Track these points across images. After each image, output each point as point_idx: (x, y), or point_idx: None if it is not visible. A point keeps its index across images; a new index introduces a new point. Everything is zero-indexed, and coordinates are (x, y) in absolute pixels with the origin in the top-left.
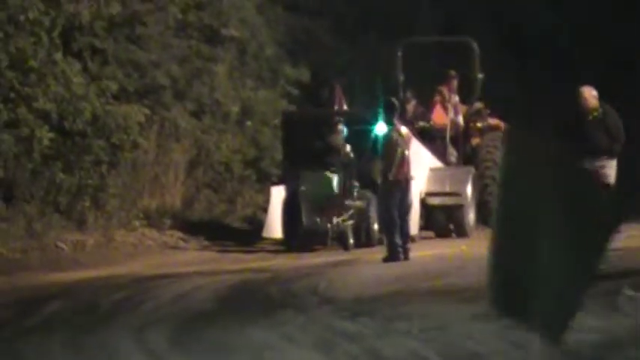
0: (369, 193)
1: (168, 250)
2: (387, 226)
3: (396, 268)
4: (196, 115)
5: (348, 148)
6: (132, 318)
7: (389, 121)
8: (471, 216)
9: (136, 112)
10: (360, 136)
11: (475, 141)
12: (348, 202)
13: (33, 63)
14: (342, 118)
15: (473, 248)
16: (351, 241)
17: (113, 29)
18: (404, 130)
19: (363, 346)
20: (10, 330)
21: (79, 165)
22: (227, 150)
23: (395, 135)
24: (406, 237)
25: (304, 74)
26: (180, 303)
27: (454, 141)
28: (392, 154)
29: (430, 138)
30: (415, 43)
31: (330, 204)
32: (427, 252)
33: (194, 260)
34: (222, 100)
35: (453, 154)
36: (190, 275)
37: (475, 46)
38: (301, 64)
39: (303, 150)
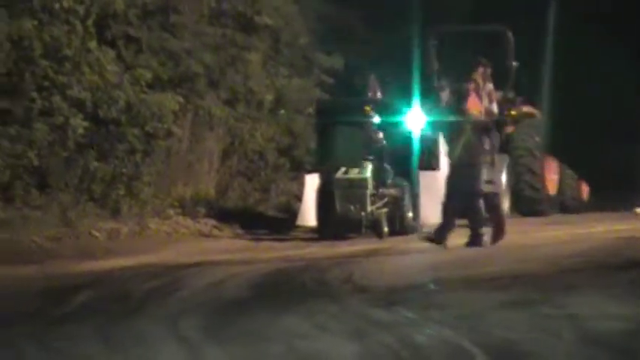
0: (403, 182)
1: (202, 239)
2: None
3: (430, 256)
4: (230, 103)
5: (381, 136)
6: (165, 306)
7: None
8: (505, 204)
9: (170, 101)
10: (393, 124)
11: (509, 129)
12: (382, 191)
13: (67, 51)
14: (374, 107)
15: (507, 235)
16: (386, 229)
17: (147, 17)
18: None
19: (396, 334)
20: (42, 319)
21: (114, 153)
22: (261, 138)
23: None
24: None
25: (338, 63)
26: (214, 291)
27: (488, 129)
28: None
29: None
30: (449, 31)
31: (364, 192)
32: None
33: (228, 248)
34: (256, 88)
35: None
36: (224, 263)
37: (510, 34)
38: (335, 52)
39: (334, 139)
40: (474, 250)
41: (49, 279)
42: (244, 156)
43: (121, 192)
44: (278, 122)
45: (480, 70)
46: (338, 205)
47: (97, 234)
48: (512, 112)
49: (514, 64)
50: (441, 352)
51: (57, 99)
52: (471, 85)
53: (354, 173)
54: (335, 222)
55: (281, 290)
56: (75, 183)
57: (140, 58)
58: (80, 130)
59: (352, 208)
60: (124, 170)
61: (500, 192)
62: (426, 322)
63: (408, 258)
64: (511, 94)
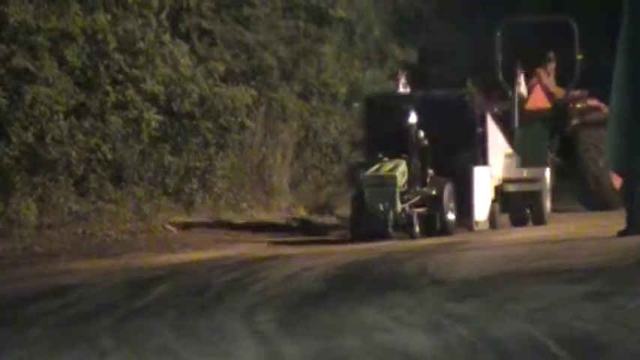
0: (444, 181)
1: (277, 232)
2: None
3: (503, 249)
4: (304, 96)
5: (422, 133)
6: (240, 300)
7: None
8: (548, 202)
9: (244, 94)
10: (440, 120)
11: (575, 122)
12: (417, 189)
13: (141, 45)
14: (412, 103)
15: (576, 228)
16: (417, 228)
17: (221, 10)
18: None
19: (473, 327)
20: (118, 312)
21: (187, 147)
22: (335, 131)
23: None
24: None
25: (412, 55)
26: (289, 284)
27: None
28: None
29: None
30: (515, 23)
31: (392, 189)
32: (534, 233)
33: (302, 241)
34: (329, 81)
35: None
36: (299, 256)
37: (575, 26)
38: (409, 44)
39: (379, 135)
40: (547, 243)
41: (126, 272)
42: (318, 149)
43: (195, 185)
44: (352, 115)
45: (549, 65)
46: (367, 204)
47: (171, 227)
48: (578, 106)
49: (580, 56)
50: (517, 345)
51: (131, 92)
52: (535, 79)
53: (385, 170)
54: (365, 221)
55: (356, 283)
56: (149, 176)
57: (214, 51)
58: (154, 124)
59: (381, 206)
60: (198, 164)
61: (544, 190)
62: (503, 315)
63: (481, 250)
64: (576, 87)
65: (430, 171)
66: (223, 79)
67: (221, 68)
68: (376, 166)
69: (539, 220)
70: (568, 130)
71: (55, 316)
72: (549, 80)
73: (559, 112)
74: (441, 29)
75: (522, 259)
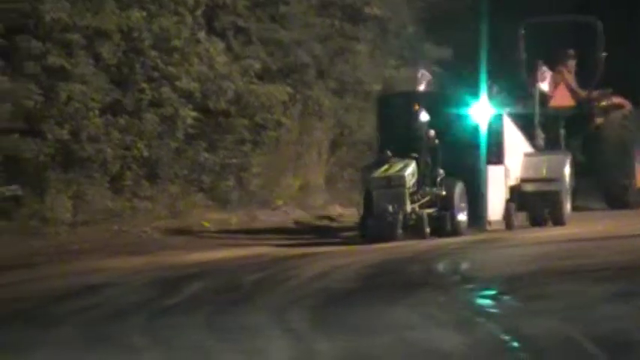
0: (455, 181)
1: (311, 229)
2: None
3: (532, 248)
4: (338, 93)
5: (432, 133)
6: (273, 297)
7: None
8: (567, 202)
9: (279, 91)
10: (450, 119)
11: (599, 120)
12: (427, 189)
13: (176, 42)
14: (422, 103)
15: (599, 227)
16: (428, 229)
17: (256, 8)
18: None
19: (504, 325)
20: (152, 309)
21: (223, 144)
22: (369, 128)
23: None
24: None
25: (446, 53)
26: (321, 282)
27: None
28: None
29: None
30: (538, 22)
31: (401, 190)
32: (560, 231)
33: (336, 239)
34: (364, 78)
35: (540, 136)
36: (332, 254)
37: (600, 25)
38: (443, 42)
39: (391, 134)
40: (574, 242)
41: (160, 269)
42: (353, 146)
43: (230, 183)
44: None
45: (570, 62)
46: (375, 205)
47: (207, 224)
48: (602, 104)
49: (603, 54)
50: (549, 342)
51: (166, 90)
52: (558, 77)
53: (393, 171)
54: (373, 222)
55: (388, 281)
56: (184, 174)
57: (249, 49)
58: (189, 121)
59: (390, 207)
60: (233, 161)
61: (563, 190)
62: (534, 313)
63: (511, 249)
64: (599, 86)
65: (441, 170)
66: (259, 77)
67: (256, 66)
68: (385, 167)
69: (558, 220)
70: (592, 128)
71: (88, 313)
72: (570, 77)
73: (583, 109)
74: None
75: (550, 258)
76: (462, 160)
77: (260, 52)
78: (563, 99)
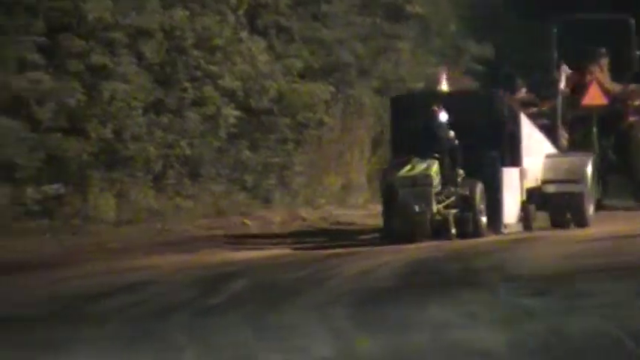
0: (476, 182)
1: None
2: None
3: (572, 245)
4: (380, 92)
5: (452, 133)
6: (315, 295)
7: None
8: (590, 204)
9: (321, 90)
10: (466, 119)
11: (632, 119)
12: (452, 189)
13: (219, 41)
14: (441, 102)
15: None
16: (454, 230)
17: (298, 7)
18: None
19: (545, 323)
20: (194, 307)
21: (265, 143)
22: None
23: None
24: None
25: (488, 51)
26: (362, 280)
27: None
28: None
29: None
30: (571, 20)
31: (428, 190)
32: (592, 230)
33: (377, 237)
34: (406, 77)
35: (564, 136)
36: (373, 252)
37: (633, 23)
38: (485, 40)
39: (407, 135)
40: (605, 240)
41: (203, 268)
42: None
43: (273, 181)
44: None
45: (602, 61)
46: (401, 204)
47: (249, 223)
48: (636, 103)
49: (638, 53)
50: (589, 340)
51: (209, 89)
52: (589, 77)
53: (419, 170)
54: (399, 222)
55: (429, 279)
56: (227, 173)
57: (291, 48)
58: (232, 120)
59: (417, 207)
60: (276, 160)
61: (585, 191)
62: (574, 311)
63: (550, 247)
64: (633, 85)
65: (461, 171)
66: (301, 76)
67: (298, 65)
68: (408, 167)
69: (580, 222)
70: (624, 127)
71: (131, 312)
72: (603, 76)
73: (615, 108)
74: (514, 26)
75: (590, 255)
76: (478, 161)
77: (302, 50)
78: (595, 98)
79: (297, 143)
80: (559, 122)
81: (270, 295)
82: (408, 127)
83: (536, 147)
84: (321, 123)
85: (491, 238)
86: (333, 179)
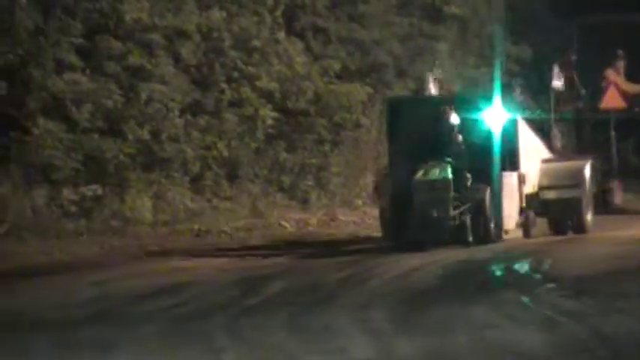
0: (485, 187)
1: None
2: None
3: (612, 247)
4: (418, 93)
5: (460, 137)
6: (354, 297)
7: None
8: (589, 209)
9: (359, 91)
10: (470, 123)
11: None
12: (465, 194)
13: (256, 42)
14: (452, 106)
15: None
16: (471, 237)
17: (335, 8)
18: None
19: (585, 324)
20: (235, 309)
21: (302, 144)
22: None
23: None
24: None
25: (525, 52)
26: (401, 282)
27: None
28: None
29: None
30: (592, 21)
31: (446, 195)
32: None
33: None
34: (444, 78)
35: (557, 136)
36: (410, 255)
37: None
38: (522, 41)
39: (410, 139)
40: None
41: (241, 269)
42: None
43: (310, 182)
44: None
45: (618, 63)
46: (419, 210)
47: (287, 224)
48: None
49: None
50: (629, 343)
51: (246, 90)
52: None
53: (434, 175)
54: (414, 228)
55: (469, 281)
56: (264, 174)
57: (328, 49)
58: (269, 121)
59: (435, 212)
60: (313, 161)
61: (584, 197)
62: (614, 312)
63: (591, 248)
64: None
65: (468, 175)
66: (338, 77)
67: (336, 66)
68: (422, 171)
69: (579, 228)
70: None
71: (170, 313)
72: (619, 78)
73: (635, 111)
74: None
75: (632, 256)
76: (476, 166)
77: (339, 51)
78: (613, 101)
79: (334, 144)
80: (552, 121)
81: (310, 295)
82: (408, 131)
83: (533, 151)
84: (358, 124)
85: (521, 241)
86: (370, 180)
